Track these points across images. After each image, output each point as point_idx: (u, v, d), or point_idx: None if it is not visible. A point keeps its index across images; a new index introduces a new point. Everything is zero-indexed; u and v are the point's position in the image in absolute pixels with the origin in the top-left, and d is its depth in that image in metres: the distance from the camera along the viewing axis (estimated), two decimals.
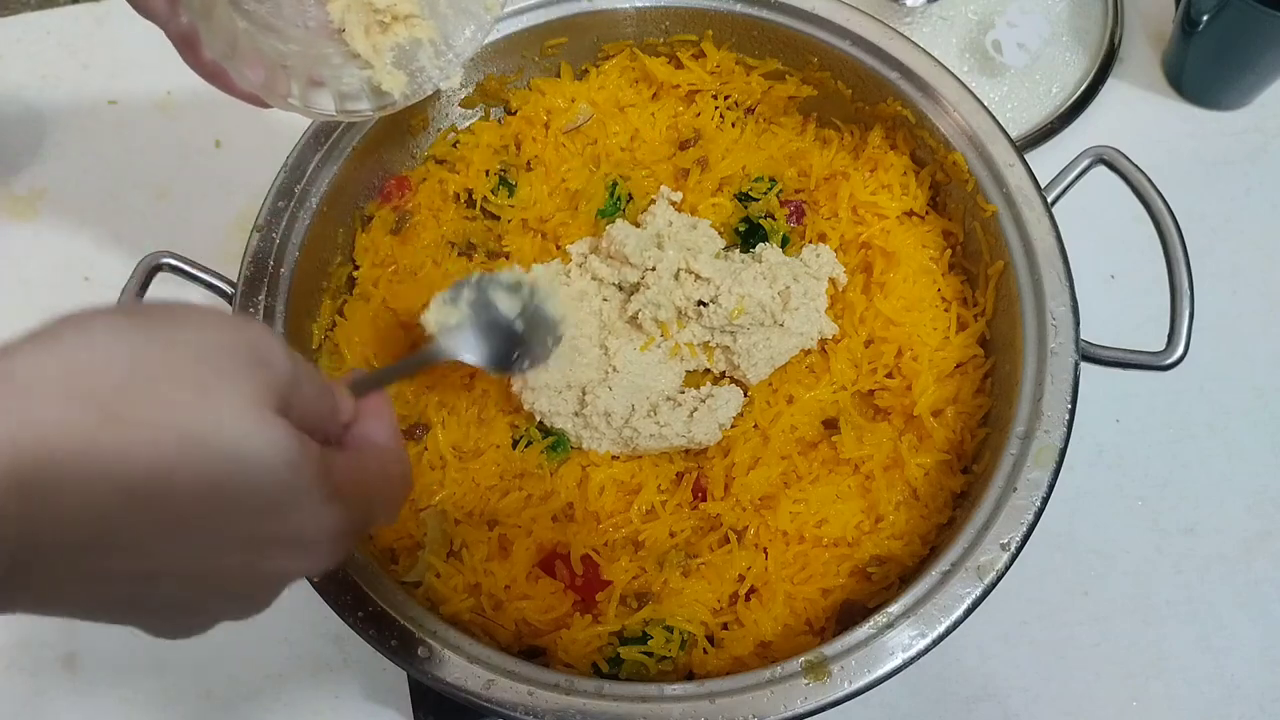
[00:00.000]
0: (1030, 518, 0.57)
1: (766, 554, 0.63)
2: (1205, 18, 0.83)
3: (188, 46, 0.57)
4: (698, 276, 0.66)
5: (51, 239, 0.88)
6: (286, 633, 0.74)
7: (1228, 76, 0.87)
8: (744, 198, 0.74)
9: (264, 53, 0.53)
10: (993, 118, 0.68)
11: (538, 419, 0.67)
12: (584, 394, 0.66)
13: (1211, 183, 0.88)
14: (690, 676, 0.59)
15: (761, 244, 0.71)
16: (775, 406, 0.68)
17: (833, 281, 0.70)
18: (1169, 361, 0.63)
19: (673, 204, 0.73)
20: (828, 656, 0.54)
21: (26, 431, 0.28)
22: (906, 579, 0.60)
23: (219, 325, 0.34)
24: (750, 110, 0.80)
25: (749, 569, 0.63)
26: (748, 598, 0.62)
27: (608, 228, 0.70)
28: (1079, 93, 0.88)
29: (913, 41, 0.71)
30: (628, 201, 0.74)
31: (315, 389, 0.38)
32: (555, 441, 0.67)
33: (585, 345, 0.67)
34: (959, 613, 0.54)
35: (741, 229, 0.73)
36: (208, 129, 0.93)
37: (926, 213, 0.73)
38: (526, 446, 0.67)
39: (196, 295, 0.75)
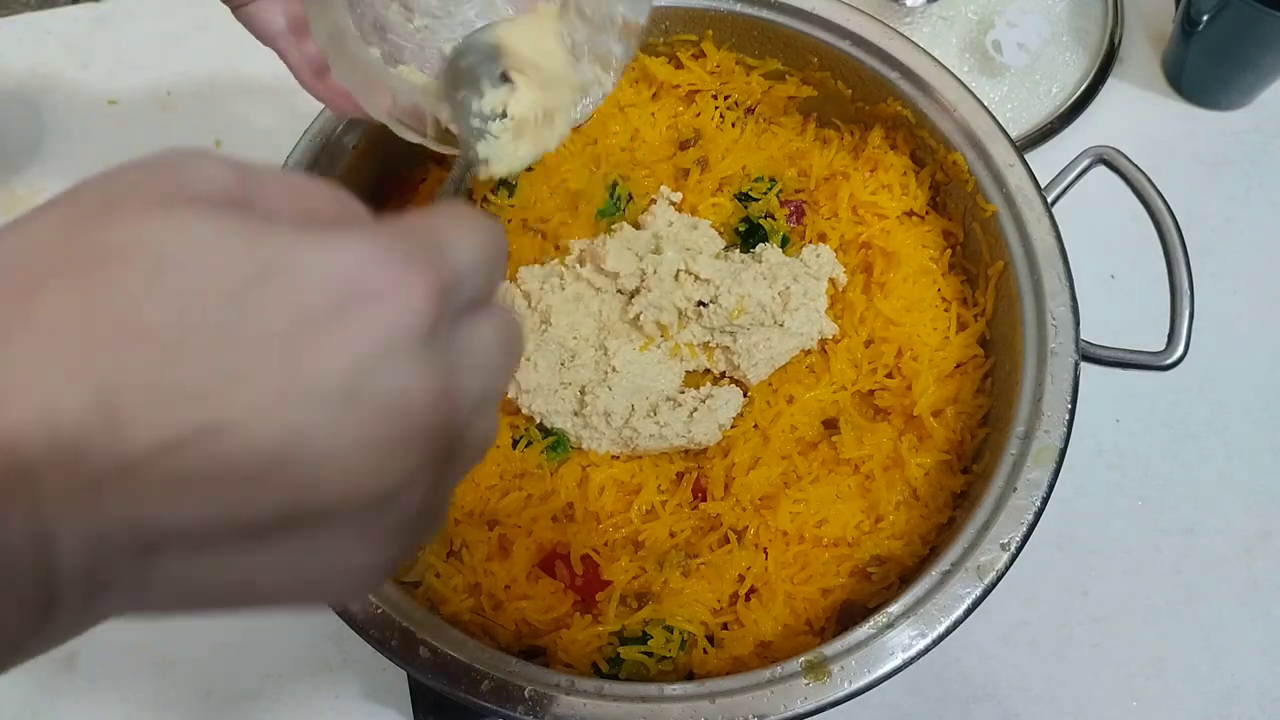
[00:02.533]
0: (1030, 518, 0.57)
1: (766, 554, 0.63)
2: (1205, 18, 0.83)
3: (313, 72, 0.54)
4: (697, 277, 0.66)
5: None
6: (287, 633, 0.74)
7: (1228, 76, 0.87)
8: (744, 198, 0.74)
9: (393, 85, 0.50)
10: (993, 118, 0.68)
11: (537, 420, 0.67)
12: (583, 394, 0.66)
13: (1211, 183, 0.88)
14: (690, 676, 0.59)
15: (761, 244, 0.71)
16: (775, 406, 0.68)
17: (833, 281, 0.70)
18: (1169, 361, 0.63)
19: (673, 204, 0.73)
20: (828, 656, 0.54)
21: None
22: (906, 579, 0.60)
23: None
24: (750, 110, 0.80)
25: (749, 569, 0.63)
26: (748, 598, 0.62)
27: (600, 236, 0.70)
28: (1079, 93, 0.88)
29: (913, 41, 0.71)
30: (628, 201, 0.74)
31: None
32: (555, 441, 0.67)
33: (582, 346, 0.67)
34: (959, 613, 0.55)
35: (741, 229, 0.73)
36: (208, 129, 0.93)
37: (926, 213, 0.73)
38: (526, 446, 0.67)
39: None
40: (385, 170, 0.75)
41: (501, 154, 0.50)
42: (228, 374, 0.24)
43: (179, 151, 0.28)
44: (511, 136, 0.50)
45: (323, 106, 0.71)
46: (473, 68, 0.50)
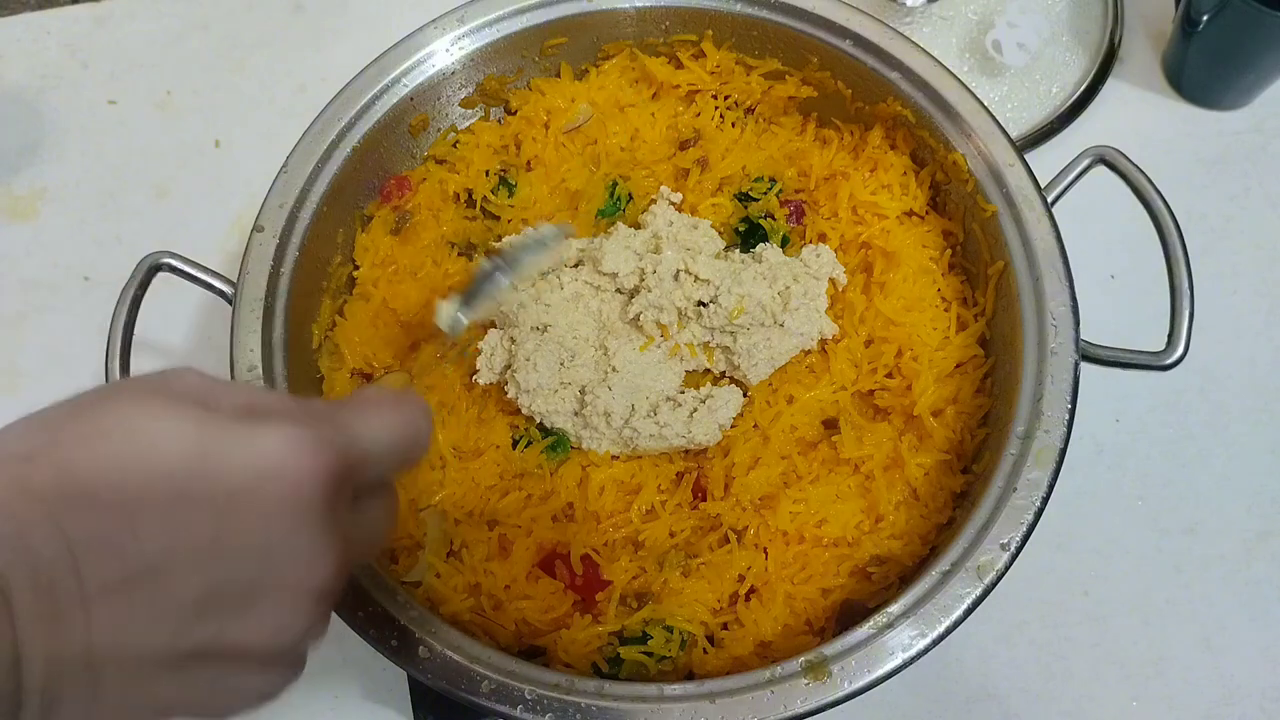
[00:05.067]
0: (1030, 518, 0.57)
1: (766, 554, 0.63)
2: (1205, 18, 0.83)
3: None
4: (697, 277, 0.66)
5: (51, 239, 0.88)
6: None
7: (1228, 76, 0.87)
8: (744, 198, 0.74)
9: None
10: (993, 118, 0.68)
11: (537, 420, 0.67)
12: (583, 394, 0.66)
13: (1211, 183, 0.88)
14: (690, 676, 0.59)
15: (761, 244, 0.71)
16: (775, 406, 0.68)
17: (833, 281, 0.70)
18: (1169, 361, 0.63)
19: (672, 204, 0.73)
20: (828, 656, 0.54)
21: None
22: (906, 579, 0.60)
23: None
24: (750, 110, 0.80)
25: (749, 569, 0.63)
26: (748, 598, 0.62)
27: (599, 237, 0.70)
28: (1079, 93, 0.88)
29: (913, 41, 0.71)
30: (628, 202, 0.74)
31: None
32: (555, 441, 0.67)
33: (582, 346, 0.67)
34: (959, 613, 0.54)
35: (741, 229, 0.73)
36: (207, 129, 0.93)
37: (926, 213, 0.73)
38: (526, 446, 0.67)
39: (197, 295, 0.76)
40: (385, 170, 0.75)
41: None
42: (166, 532, 0.32)
43: (174, 369, 0.37)
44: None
45: (323, 106, 0.71)
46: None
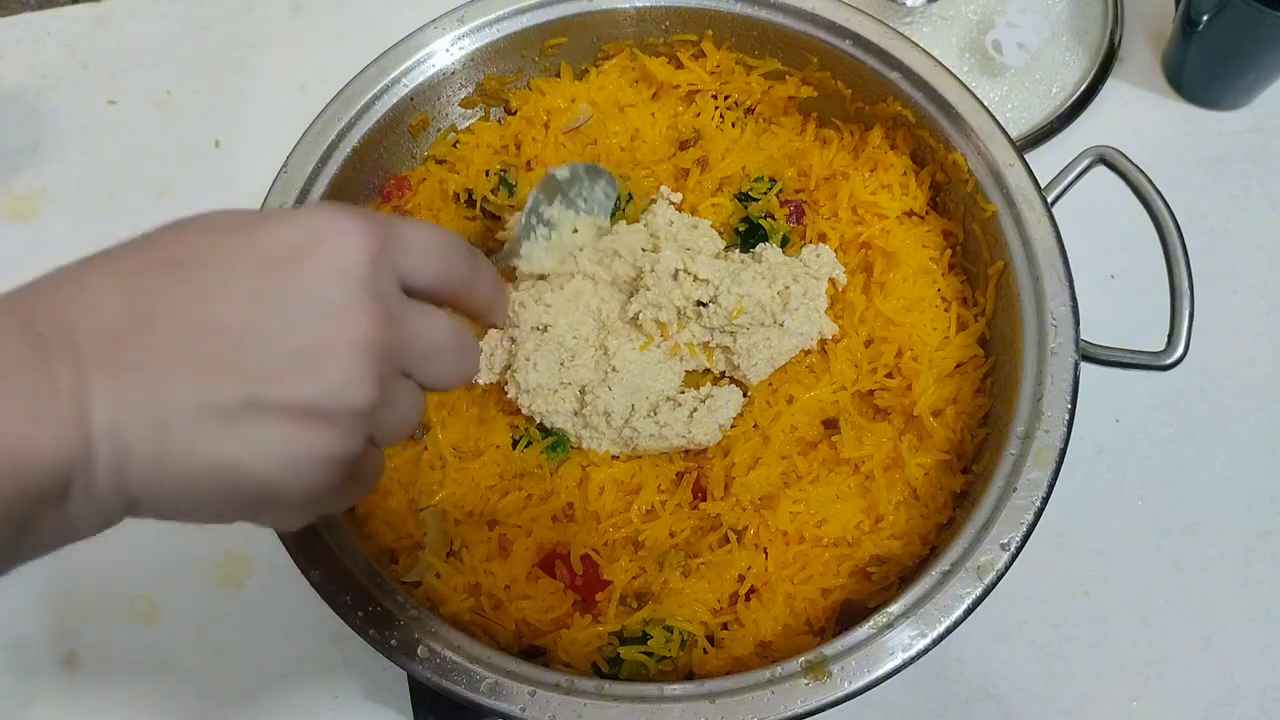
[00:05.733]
0: (1030, 518, 0.57)
1: (766, 554, 0.63)
2: (1205, 18, 0.83)
3: None
4: (696, 277, 0.66)
5: (51, 239, 0.88)
6: (286, 633, 0.74)
7: (1228, 76, 0.87)
8: (744, 198, 0.74)
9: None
10: (993, 118, 0.68)
11: (537, 420, 0.67)
12: (583, 394, 0.66)
13: (1211, 183, 0.88)
14: (690, 676, 0.59)
15: (762, 244, 0.71)
16: (775, 406, 0.68)
17: (833, 281, 0.70)
18: (1169, 361, 0.63)
19: (672, 204, 0.73)
20: (828, 656, 0.54)
21: None
22: (906, 579, 0.60)
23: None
24: (750, 110, 0.80)
25: (749, 569, 0.63)
26: (748, 598, 0.62)
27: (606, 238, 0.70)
28: (1079, 93, 0.88)
29: (913, 41, 0.71)
30: (628, 201, 0.74)
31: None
32: (555, 441, 0.67)
33: (582, 346, 0.67)
34: (959, 613, 0.54)
35: (741, 229, 0.73)
36: (207, 129, 0.93)
37: (926, 213, 0.73)
38: (526, 446, 0.67)
39: None
40: (385, 170, 0.75)
41: (531, 255, 0.66)
42: (218, 283, 0.35)
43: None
44: (544, 247, 0.66)
45: (323, 106, 0.71)
46: (562, 184, 0.66)
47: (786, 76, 0.77)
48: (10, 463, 0.31)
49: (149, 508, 0.35)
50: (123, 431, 0.33)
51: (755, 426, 0.67)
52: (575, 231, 0.67)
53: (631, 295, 0.68)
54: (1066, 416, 0.59)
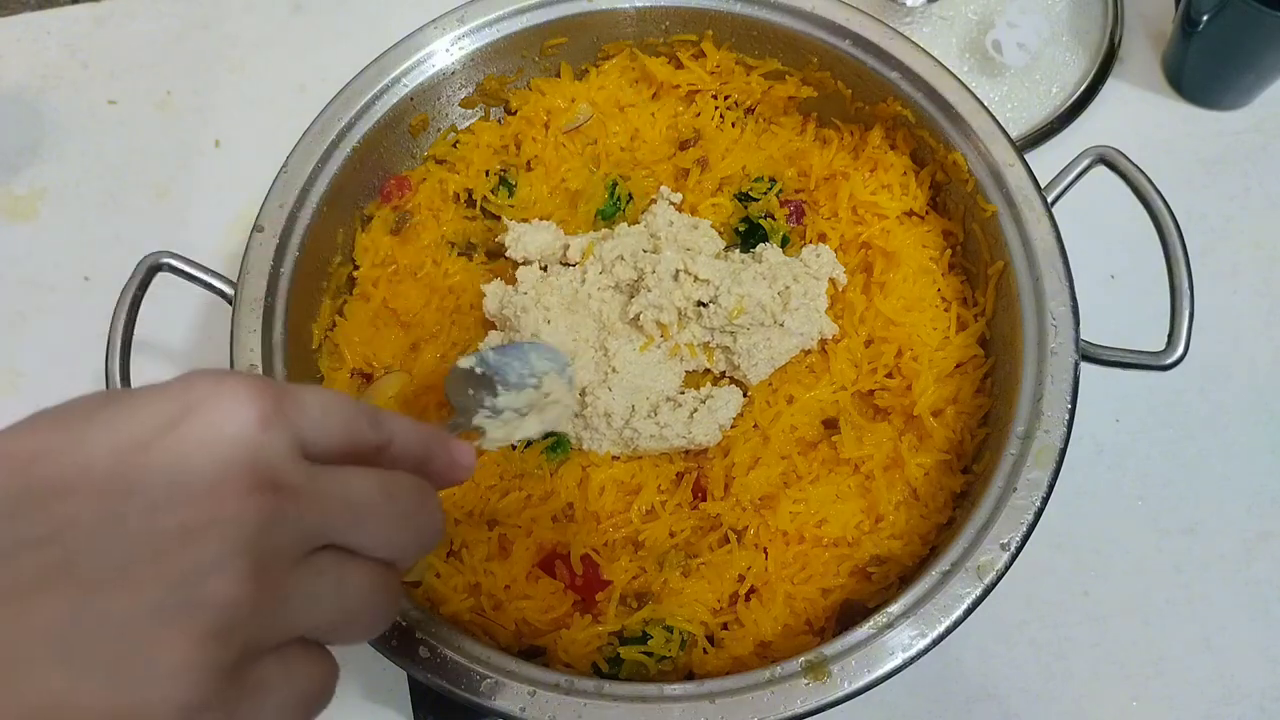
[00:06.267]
0: (1030, 518, 0.57)
1: (766, 554, 0.63)
2: (1205, 18, 0.83)
3: None
4: (696, 277, 0.66)
5: (51, 239, 0.88)
6: None
7: (1228, 76, 0.87)
8: (744, 198, 0.74)
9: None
10: (993, 118, 0.68)
11: None
12: (584, 395, 0.66)
13: (1211, 183, 0.88)
14: (690, 676, 0.59)
15: (762, 244, 0.71)
16: (775, 406, 0.68)
17: (833, 281, 0.70)
18: (1169, 361, 0.63)
19: (672, 204, 0.73)
20: (828, 656, 0.54)
21: None
22: (906, 579, 0.60)
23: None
24: (750, 110, 0.80)
25: (749, 569, 0.63)
26: (748, 598, 0.62)
27: (605, 242, 0.70)
28: (1079, 93, 0.88)
29: (913, 41, 0.71)
30: (628, 201, 0.74)
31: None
32: (555, 442, 0.67)
33: (582, 347, 0.67)
34: (959, 613, 0.54)
35: (741, 229, 0.73)
36: (207, 129, 0.93)
37: (926, 213, 0.73)
38: (526, 446, 0.67)
39: (197, 295, 0.76)
40: (385, 170, 0.75)
41: (500, 435, 0.56)
42: (57, 492, 0.29)
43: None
44: (510, 424, 0.57)
45: (323, 106, 0.71)
46: (497, 370, 0.58)
47: (786, 76, 0.77)
48: None
49: None
50: None
51: (755, 426, 0.67)
52: (527, 406, 0.59)
53: (632, 296, 0.68)
54: (1066, 416, 0.59)
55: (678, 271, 0.67)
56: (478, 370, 0.57)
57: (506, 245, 0.71)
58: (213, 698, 0.30)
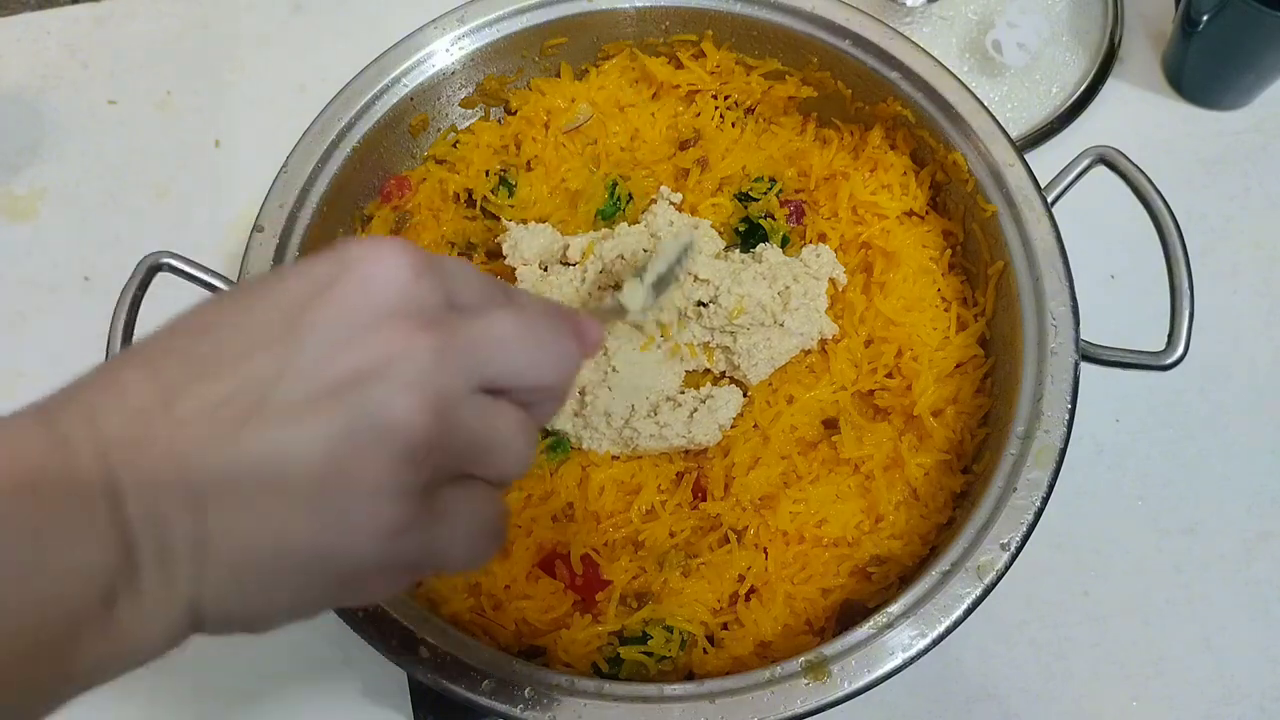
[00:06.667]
0: (1030, 518, 0.57)
1: (766, 554, 0.63)
2: (1205, 18, 0.83)
3: None
4: (696, 277, 0.66)
5: (51, 239, 0.88)
6: (286, 632, 0.74)
7: (1228, 76, 0.87)
8: (744, 198, 0.74)
9: None
10: (993, 118, 0.68)
11: None
12: (583, 394, 0.66)
13: (1211, 183, 0.88)
14: (690, 676, 0.59)
15: (762, 244, 0.71)
16: (775, 406, 0.68)
17: (833, 281, 0.70)
18: (1169, 361, 0.63)
19: (673, 204, 0.73)
20: (827, 656, 0.54)
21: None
22: (906, 579, 0.60)
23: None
24: (750, 110, 0.80)
25: (749, 569, 0.63)
26: (748, 598, 0.62)
27: (600, 234, 0.70)
28: (1079, 93, 0.88)
29: (913, 41, 0.71)
30: (628, 201, 0.74)
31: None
32: (555, 442, 0.67)
33: None
34: (959, 613, 0.54)
35: (741, 229, 0.73)
36: (207, 129, 0.93)
37: (926, 213, 0.73)
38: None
39: (196, 295, 0.75)
40: (385, 170, 0.75)
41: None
42: (241, 339, 0.32)
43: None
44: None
45: (323, 106, 0.71)
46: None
47: (786, 76, 0.77)
48: (44, 575, 0.28)
49: (213, 616, 0.32)
50: (161, 518, 0.30)
51: (755, 426, 0.67)
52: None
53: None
54: (1066, 416, 0.59)
55: None
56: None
57: (504, 251, 0.71)
58: (411, 518, 0.32)
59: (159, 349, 0.33)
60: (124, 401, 0.31)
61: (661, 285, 0.58)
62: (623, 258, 0.68)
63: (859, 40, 0.71)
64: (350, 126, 0.71)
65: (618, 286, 0.69)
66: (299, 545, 0.31)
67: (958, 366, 0.68)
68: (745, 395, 0.68)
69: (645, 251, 0.69)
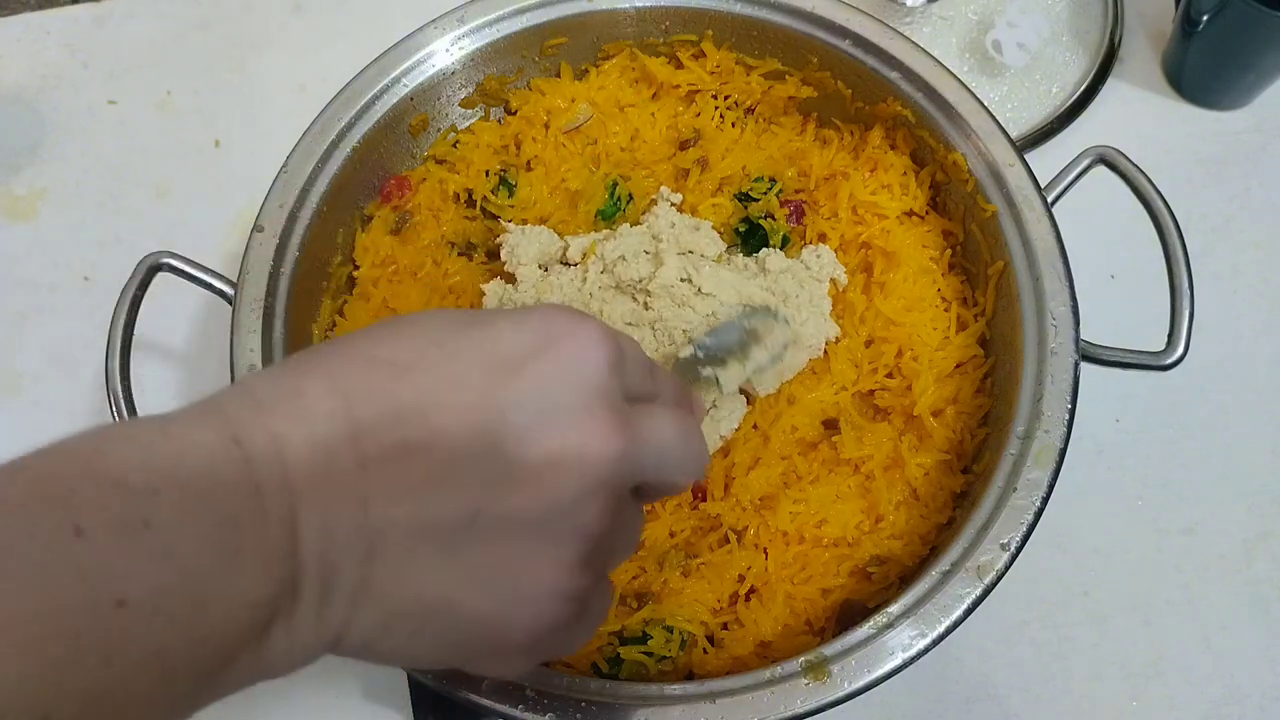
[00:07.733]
0: (1030, 518, 0.57)
1: (766, 554, 0.63)
2: (1205, 18, 0.83)
3: None
4: (700, 290, 0.66)
5: (51, 239, 0.88)
6: None
7: (1228, 76, 0.87)
8: (744, 198, 0.74)
9: None
10: (993, 118, 0.68)
11: None
12: None
13: (1211, 183, 0.88)
14: (690, 676, 0.59)
15: (765, 250, 0.71)
16: (775, 407, 0.68)
17: (833, 282, 0.70)
18: (1169, 361, 0.63)
19: (673, 204, 0.73)
20: (827, 656, 0.54)
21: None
22: (906, 579, 0.60)
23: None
24: (750, 110, 0.80)
25: (749, 569, 0.63)
26: (748, 598, 0.62)
27: (600, 235, 0.70)
28: (1079, 93, 0.88)
29: (913, 41, 0.71)
30: (628, 202, 0.74)
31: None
32: None
33: None
34: (959, 613, 0.54)
35: (742, 229, 0.73)
36: (207, 129, 0.93)
37: (926, 213, 0.73)
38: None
39: (197, 295, 0.76)
40: (385, 170, 0.75)
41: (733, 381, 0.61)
42: (438, 387, 0.31)
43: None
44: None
45: (323, 106, 0.71)
46: (716, 350, 0.61)
47: (786, 76, 0.77)
48: (218, 598, 0.27)
49: (351, 645, 0.32)
50: (331, 559, 0.29)
51: (755, 427, 0.67)
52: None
53: (633, 299, 0.68)
54: (1066, 416, 0.59)
55: (680, 280, 0.66)
56: (699, 354, 0.60)
57: (502, 256, 0.71)
58: (569, 619, 0.33)
59: (342, 366, 0.32)
60: (309, 429, 0.30)
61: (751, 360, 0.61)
62: (624, 258, 0.68)
63: (859, 40, 0.71)
64: (350, 126, 0.71)
65: (619, 288, 0.69)
66: (460, 610, 0.31)
67: (958, 366, 0.68)
68: (749, 403, 0.68)
69: (648, 252, 0.68)
